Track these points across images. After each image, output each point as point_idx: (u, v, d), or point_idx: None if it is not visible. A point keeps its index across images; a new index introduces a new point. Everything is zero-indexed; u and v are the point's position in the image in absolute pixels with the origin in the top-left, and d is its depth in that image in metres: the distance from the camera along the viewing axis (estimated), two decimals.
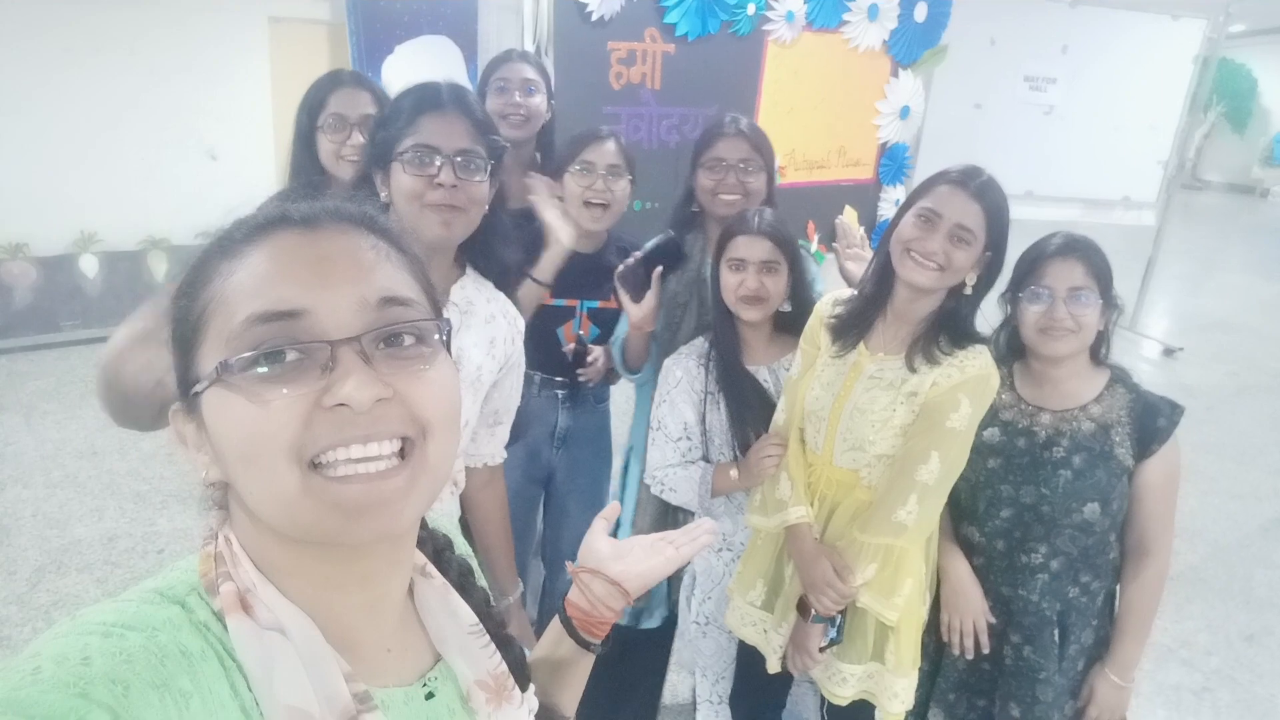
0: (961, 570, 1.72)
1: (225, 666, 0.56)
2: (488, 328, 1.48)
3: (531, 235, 1.98)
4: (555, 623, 0.94)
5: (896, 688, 1.70)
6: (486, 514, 1.64)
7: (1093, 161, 5.86)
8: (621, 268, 1.95)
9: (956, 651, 1.73)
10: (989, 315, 1.69)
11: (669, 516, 1.96)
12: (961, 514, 1.75)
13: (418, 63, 4.22)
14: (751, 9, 3.38)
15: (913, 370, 1.60)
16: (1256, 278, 9.29)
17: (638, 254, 1.96)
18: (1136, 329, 6.49)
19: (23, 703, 0.46)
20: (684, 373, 1.85)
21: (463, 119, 1.35)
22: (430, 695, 0.68)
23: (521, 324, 1.56)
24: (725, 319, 1.82)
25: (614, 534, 1.02)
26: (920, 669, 1.75)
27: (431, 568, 0.72)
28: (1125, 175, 6.08)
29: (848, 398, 1.66)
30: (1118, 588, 1.73)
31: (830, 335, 1.71)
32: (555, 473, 2.25)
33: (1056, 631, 1.69)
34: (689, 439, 1.86)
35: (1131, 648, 1.69)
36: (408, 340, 0.60)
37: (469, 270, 1.51)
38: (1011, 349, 1.73)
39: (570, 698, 0.92)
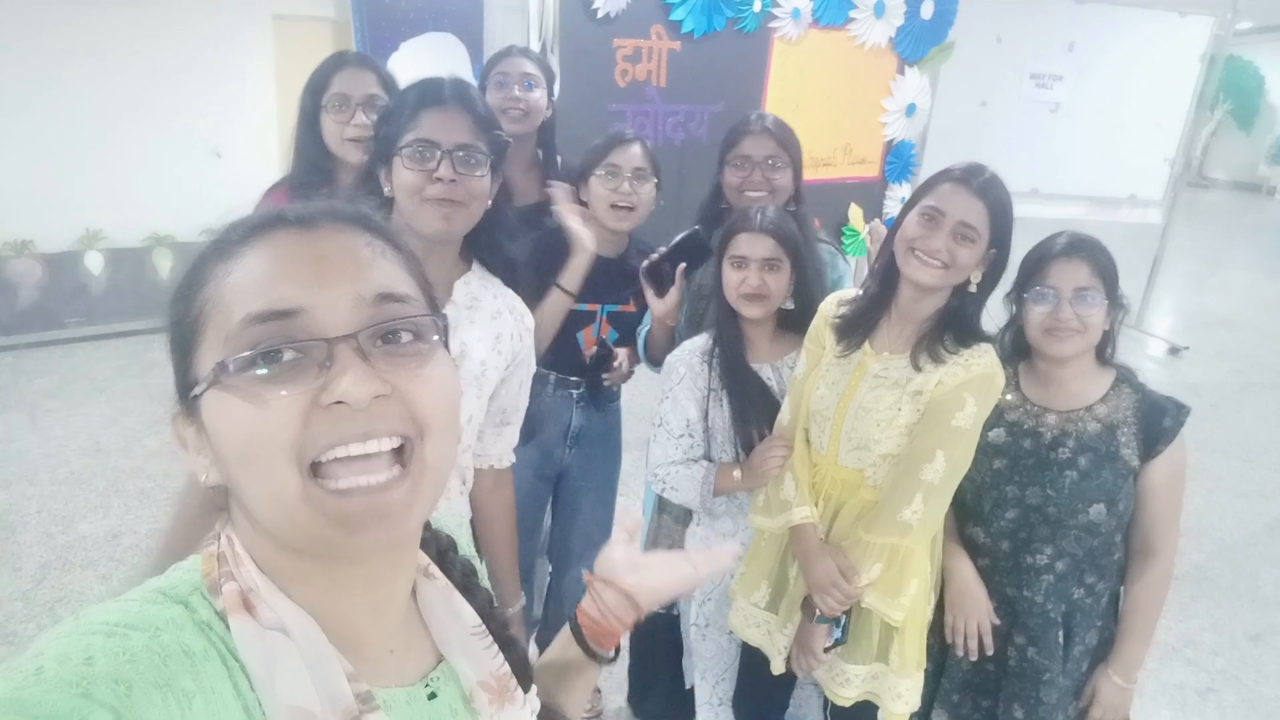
0: (966, 571, 1.72)
1: (228, 666, 0.56)
2: (494, 323, 1.47)
3: (555, 243, 1.98)
4: (566, 629, 0.94)
5: (901, 688, 1.70)
6: (493, 519, 1.62)
7: (1099, 159, 5.85)
8: (646, 263, 1.97)
9: (960, 653, 1.73)
10: (994, 314, 1.68)
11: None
12: (967, 515, 1.75)
13: (422, 60, 4.22)
14: (758, 6, 3.37)
15: (918, 369, 1.59)
16: (1262, 275, 9.27)
17: (662, 249, 1.99)
18: (1142, 327, 6.48)
19: (26, 702, 0.46)
20: (687, 369, 1.85)
21: (464, 114, 1.35)
22: (433, 695, 0.68)
23: (531, 321, 1.56)
24: (728, 316, 1.82)
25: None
26: (924, 670, 1.75)
27: (435, 569, 0.72)
28: (1131, 173, 6.07)
29: (853, 397, 1.66)
30: (1122, 588, 1.73)
31: (835, 335, 1.70)
32: (566, 471, 2.25)
33: (1061, 633, 1.68)
34: (691, 436, 1.86)
35: (1135, 648, 1.68)
36: (405, 337, 0.60)
37: (475, 266, 1.50)
38: (1017, 349, 1.72)
39: (576, 701, 0.91)
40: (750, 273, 1.74)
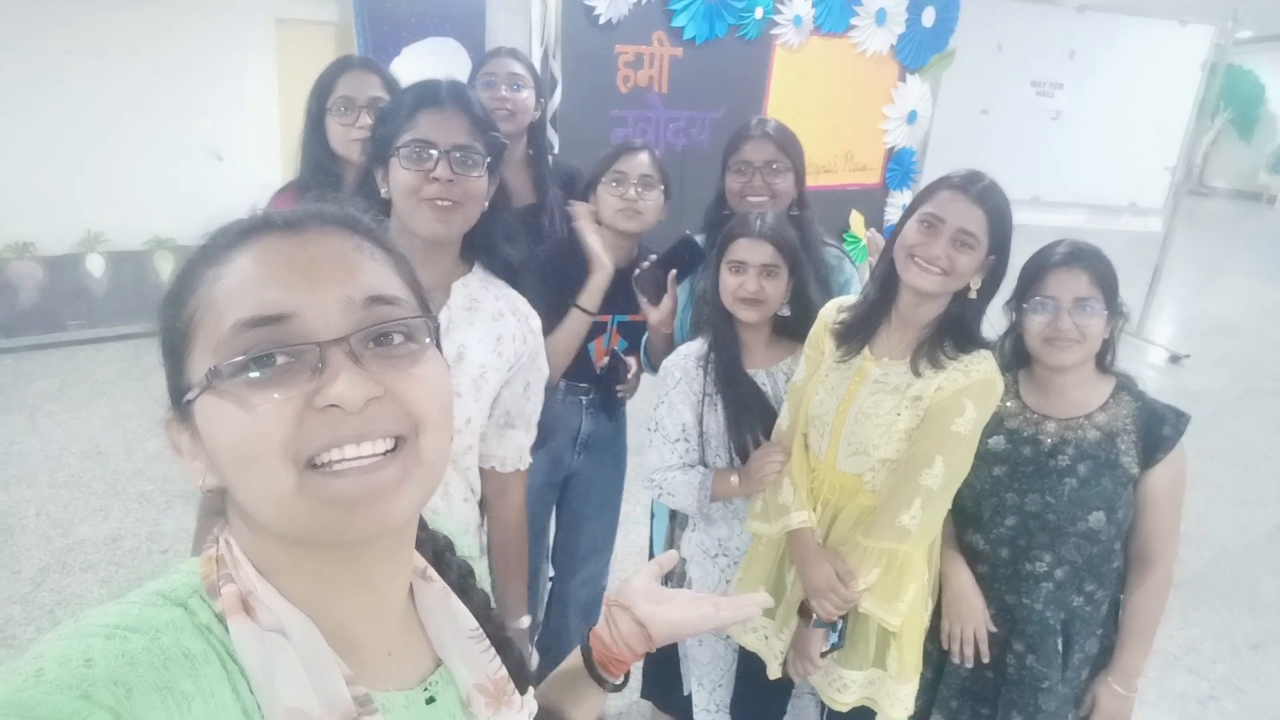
0: (964, 578, 1.72)
1: (227, 668, 0.56)
2: (494, 325, 1.47)
3: (575, 261, 1.99)
4: (578, 649, 0.93)
5: (898, 694, 1.70)
6: (502, 526, 1.61)
7: (1099, 167, 5.87)
8: (638, 271, 1.98)
9: (957, 660, 1.73)
10: (994, 322, 1.68)
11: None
12: (966, 521, 1.75)
13: (424, 66, 4.23)
14: (759, 13, 3.38)
15: (917, 375, 1.60)
16: (1262, 283, 9.27)
17: (653, 257, 2.00)
18: (1143, 335, 6.47)
19: (25, 704, 0.47)
20: (683, 374, 1.85)
21: (461, 115, 1.36)
22: (431, 700, 0.68)
23: (536, 323, 1.55)
24: (724, 321, 1.82)
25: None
26: (922, 676, 1.75)
27: (432, 571, 0.72)
28: (1132, 181, 6.08)
29: (852, 402, 1.66)
30: (1122, 596, 1.73)
31: (835, 340, 1.71)
32: (574, 476, 2.26)
33: (1060, 640, 1.68)
34: (687, 440, 1.85)
35: (1135, 656, 1.68)
36: (396, 338, 0.60)
37: (476, 267, 1.50)
38: (1016, 356, 1.72)
39: (583, 714, 0.91)
40: (748, 278, 1.74)
